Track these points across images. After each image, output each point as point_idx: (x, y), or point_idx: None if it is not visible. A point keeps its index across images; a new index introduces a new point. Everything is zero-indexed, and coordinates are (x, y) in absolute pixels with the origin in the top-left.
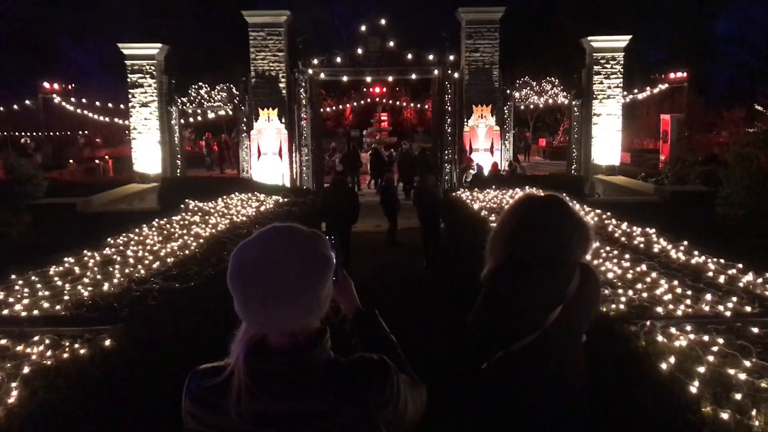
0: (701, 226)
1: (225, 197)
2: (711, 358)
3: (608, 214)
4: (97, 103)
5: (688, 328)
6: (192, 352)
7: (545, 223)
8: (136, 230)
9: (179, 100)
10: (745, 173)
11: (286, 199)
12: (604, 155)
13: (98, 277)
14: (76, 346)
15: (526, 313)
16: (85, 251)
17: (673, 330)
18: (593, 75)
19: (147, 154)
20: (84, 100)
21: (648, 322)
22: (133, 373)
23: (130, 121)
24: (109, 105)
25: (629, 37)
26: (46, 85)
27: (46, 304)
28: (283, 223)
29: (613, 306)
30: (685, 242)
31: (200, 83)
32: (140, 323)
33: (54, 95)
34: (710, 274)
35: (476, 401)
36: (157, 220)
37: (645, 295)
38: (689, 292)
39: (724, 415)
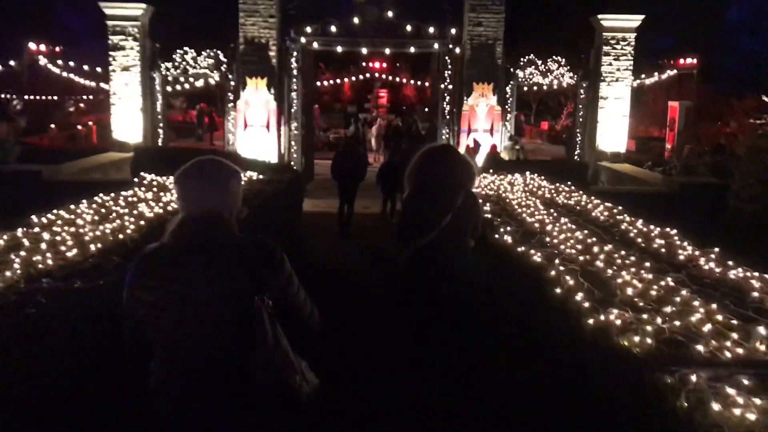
0: (713, 220)
1: None
2: None
3: (619, 208)
4: (85, 67)
5: (746, 381)
6: (87, 385)
7: (437, 162)
8: (71, 206)
9: (163, 66)
10: (760, 166)
11: (261, 177)
12: (609, 141)
13: None
14: None
15: (428, 218)
16: None
17: (729, 390)
18: (602, 56)
19: (127, 122)
20: (72, 64)
21: (693, 376)
22: None
23: (110, 86)
24: (98, 69)
25: (642, 17)
26: (32, 46)
27: None
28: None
29: (637, 339)
30: (716, 249)
31: (186, 48)
32: (5, 343)
33: (40, 57)
34: (756, 294)
35: (396, 285)
36: (101, 194)
37: (677, 323)
38: (734, 321)
39: None
